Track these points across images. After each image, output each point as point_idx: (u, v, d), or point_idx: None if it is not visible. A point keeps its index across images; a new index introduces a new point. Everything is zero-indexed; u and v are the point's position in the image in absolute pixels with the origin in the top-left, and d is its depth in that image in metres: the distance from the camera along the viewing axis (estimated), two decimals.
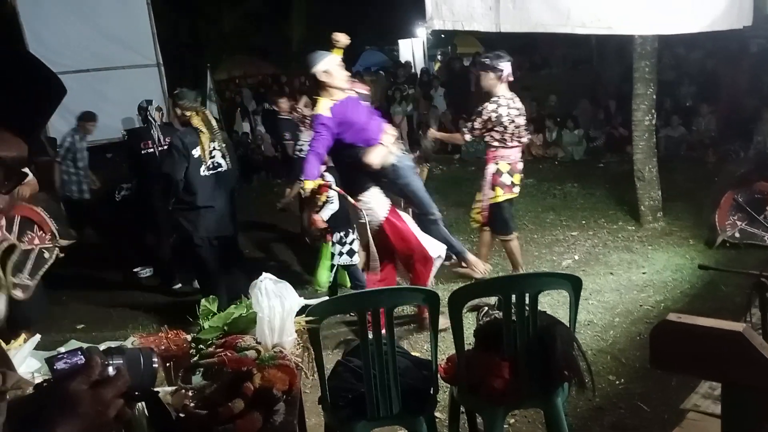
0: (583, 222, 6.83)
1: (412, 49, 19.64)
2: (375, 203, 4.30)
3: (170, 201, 4.75)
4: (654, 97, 6.32)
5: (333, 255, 4.64)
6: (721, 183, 5.81)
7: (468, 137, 5.10)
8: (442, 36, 20.31)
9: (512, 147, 4.97)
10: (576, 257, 5.85)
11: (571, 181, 8.67)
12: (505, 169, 5.00)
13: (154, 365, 1.09)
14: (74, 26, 8.30)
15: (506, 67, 4.80)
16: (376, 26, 20.85)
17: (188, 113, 4.66)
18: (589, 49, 13.36)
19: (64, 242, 4.04)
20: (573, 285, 2.62)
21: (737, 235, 5.43)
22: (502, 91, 4.88)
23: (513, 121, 4.86)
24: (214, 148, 4.63)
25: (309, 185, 4.07)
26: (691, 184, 7.62)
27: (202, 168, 4.60)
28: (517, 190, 5.07)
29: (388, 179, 4.30)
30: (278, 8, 19.48)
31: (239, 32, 18.84)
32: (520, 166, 5.05)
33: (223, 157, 4.69)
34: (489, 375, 2.56)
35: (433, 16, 3.63)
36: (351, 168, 4.26)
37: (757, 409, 1.43)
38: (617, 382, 3.69)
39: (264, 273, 2.39)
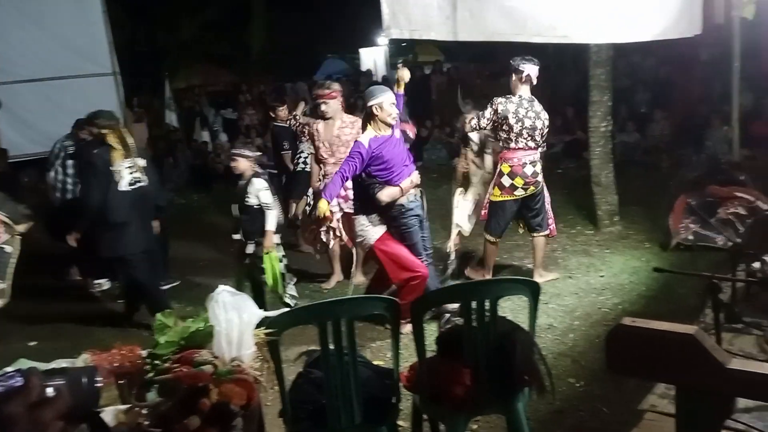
0: None
1: (373, 58, 19.73)
2: (371, 227, 4.46)
3: (87, 219, 4.88)
4: (609, 104, 6.46)
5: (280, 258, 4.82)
6: (674, 187, 5.95)
7: (474, 122, 5.20)
8: (403, 44, 20.45)
9: (517, 149, 5.05)
10: None
11: None
12: (506, 171, 5.09)
13: (97, 385, 1.05)
14: (28, 35, 8.06)
15: (528, 68, 4.95)
16: (337, 34, 20.88)
17: (104, 131, 4.82)
18: (546, 58, 13.55)
19: (21, 227, 3.96)
20: (531, 290, 2.65)
21: (690, 237, 5.57)
22: (522, 92, 5.01)
23: (521, 122, 4.96)
24: (132, 165, 4.83)
25: (324, 205, 4.23)
26: (646, 188, 7.80)
27: (121, 184, 4.76)
28: (519, 192, 5.11)
29: (391, 215, 4.44)
30: (238, 17, 19.31)
31: (198, 41, 18.61)
32: (528, 170, 5.07)
33: (142, 173, 4.89)
34: (450, 382, 2.57)
35: (390, 25, 3.64)
36: (362, 192, 4.45)
37: (710, 411, 1.45)
38: (577, 385, 3.74)
39: (221, 285, 2.36)
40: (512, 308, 4.56)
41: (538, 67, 5.02)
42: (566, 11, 4.02)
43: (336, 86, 5.34)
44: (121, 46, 10.23)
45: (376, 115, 4.32)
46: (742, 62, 5.97)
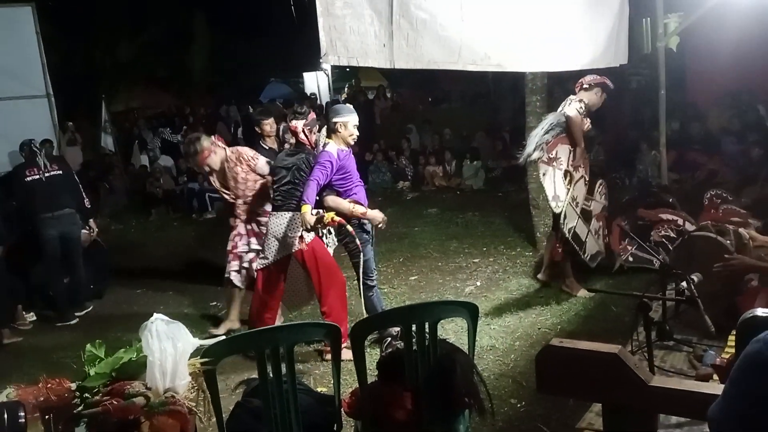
0: (484, 249, 7.05)
1: (317, 82, 19.78)
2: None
3: None
4: None
5: None
6: (609, 211, 6.10)
7: None
8: (347, 69, 20.62)
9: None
10: (478, 283, 6.00)
11: (472, 210, 8.95)
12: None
13: (19, 420, 1.00)
14: None
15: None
16: (280, 58, 20.85)
17: None
18: (486, 85, 14.00)
19: None
20: (470, 312, 2.68)
21: (630, 259, 5.72)
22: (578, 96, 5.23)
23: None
24: None
25: (307, 209, 4.22)
26: None
27: None
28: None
29: (344, 228, 4.49)
30: (179, 39, 19.05)
31: (137, 62, 18.23)
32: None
33: None
34: (392, 407, 2.56)
35: (328, 52, 3.69)
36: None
37: (635, 427, 1.50)
38: (518, 405, 3.79)
39: (155, 314, 2.30)
40: (455, 330, 4.62)
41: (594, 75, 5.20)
42: (499, 41, 4.16)
43: (205, 143, 5.00)
44: (56, 66, 9.95)
45: (340, 132, 4.44)
46: (668, 90, 6.27)
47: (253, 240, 5.11)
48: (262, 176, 5.06)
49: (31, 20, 8.17)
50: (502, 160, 11.13)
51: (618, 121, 10.37)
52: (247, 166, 5.00)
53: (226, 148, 5.11)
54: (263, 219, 5.02)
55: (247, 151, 5.10)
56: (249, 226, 5.14)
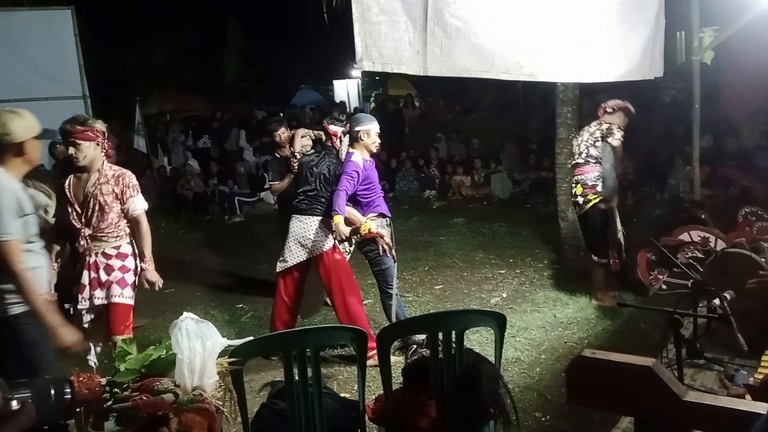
0: (511, 260, 6.99)
1: (346, 89, 19.94)
2: (331, 236, 4.54)
3: None
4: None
5: None
6: (633, 242, 5.96)
7: None
8: (377, 78, 20.74)
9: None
10: (504, 295, 5.96)
11: (499, 220, 8.90)
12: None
13: (66, 396, 1.02)
14: None
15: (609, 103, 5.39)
16: (311, 65, 21.09)
17: None
18: (516, 95, 13.94)
19: None
20: (498, 322, 2.66)
21: (664, 287, 5.61)
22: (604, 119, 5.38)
23: (578, 145, 5.42)
24: None
25: (339, 219, 4.29)
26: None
27: None
28: (580, 200, 5.37)
29: (365, 238, 4.54)
30: (211, 43, 19.40)
31: (171, 66, 18.60)
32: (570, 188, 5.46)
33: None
34: (416, 414, 2.55)
35: (363, 58, 3.73)
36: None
37: None
38: (543, 419, 3.74)
39: (185, 312, 2.33)
40: (480, 341, 4.59)
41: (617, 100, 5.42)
42: (533, 50, 4.16)
43: (98, 125, 3.73)
44: (92, 69, 10.16)
45: (363, 140, 4.50)
46: (701, 105, 6.18)
47: (98, 293, 3.74)
48: (128, 217, 3.83)
49: (70, 23, 8.35)
50: (531, 171, 11.07)
51: (650, 134, 10.24)
52: (120, 192, 3.73)
53: (107, 159, 3.80)
54: (114, 263, 3.79)
55: (131, 179, 3.81)
56: (93, 274, 3.75)
